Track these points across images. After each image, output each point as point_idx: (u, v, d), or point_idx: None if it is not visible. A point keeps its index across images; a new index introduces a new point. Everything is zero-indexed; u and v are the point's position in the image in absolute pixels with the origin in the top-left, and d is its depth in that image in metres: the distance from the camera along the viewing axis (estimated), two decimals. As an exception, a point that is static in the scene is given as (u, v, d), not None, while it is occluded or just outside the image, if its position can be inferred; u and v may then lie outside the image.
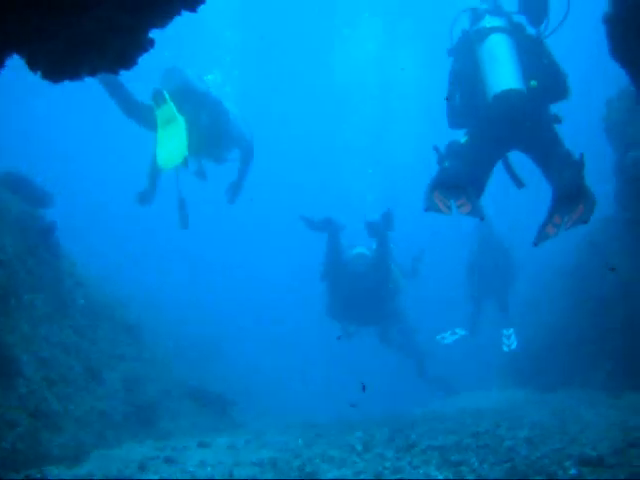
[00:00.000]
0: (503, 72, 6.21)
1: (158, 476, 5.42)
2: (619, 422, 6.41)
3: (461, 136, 6.76)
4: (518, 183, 6.84)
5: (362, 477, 5.36)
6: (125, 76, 4.13)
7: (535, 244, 6.35)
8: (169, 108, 8.02)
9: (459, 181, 6.33)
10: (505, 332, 13.20)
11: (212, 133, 9.24)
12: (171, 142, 7.83)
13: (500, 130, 6.48)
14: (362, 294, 10.90)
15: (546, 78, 6.40)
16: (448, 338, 13.56)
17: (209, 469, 5.78)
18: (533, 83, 6.28)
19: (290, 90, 33.04)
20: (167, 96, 8.08)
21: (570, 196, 6.12)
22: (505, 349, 12.83)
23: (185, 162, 7.85)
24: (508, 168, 6.81)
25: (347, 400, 17.24)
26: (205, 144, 9.24)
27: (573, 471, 4.94)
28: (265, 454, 6.47)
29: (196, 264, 28.73)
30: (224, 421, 10.08)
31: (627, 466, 4.93)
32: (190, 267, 27.99)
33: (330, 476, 5.39)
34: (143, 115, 8.66)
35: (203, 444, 7.09)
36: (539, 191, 6.88)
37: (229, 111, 9.71)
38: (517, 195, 8.48)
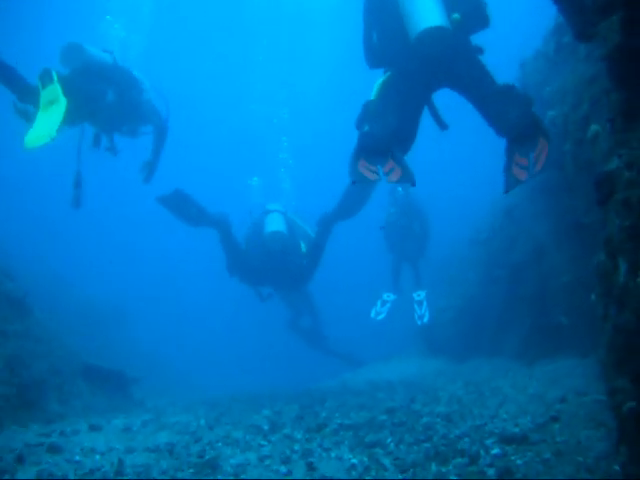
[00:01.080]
0: (424, 7, 5.66)
1: (37, 469, 4.77)
2: (538, 394, 6.13)
3: (380, 76, 6.15)
4: (442, 125, 6.21)
5: (268, 462, 4.87)
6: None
7: (506, 191, 5.87)
8: (54, 89, 7.34)
9: (383, 144, 5.79)
10: (416, 296, 12.92)
11: (121, 109, 8.57)
12: (45, 123, 7.15)
13: (425, 71, 5.91)
14: (276, 268, 10.37)
15: (467, 8, 5.86)
16: (382, 310, 13.27)
17: (97, 457, 5.15)
18: (455, 16, 5.71)
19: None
20: (55, 76, 7.39)
21: (527, 133, 5.66)
22: (418, 322, 12.55)
23: (53, 137, 7.11)
24: (432, 108, 6.23)
25: (257, 373, 16.91)
26: (115, 120, 8.60)
27: (496, 450, 4.57)
28: (162, 438, 5.89)
29: (101, 235, 27.62)
30: (122, 400, 9.42)
31: (551, 443, 4.60)
32: (95, 237, 26.89)
33: (233, 462, 4.87)
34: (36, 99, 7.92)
35: (95, 427, 6.43)
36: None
37: (140, 83, 9.01)
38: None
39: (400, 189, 13.33)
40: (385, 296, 13.16)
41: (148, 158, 9.43)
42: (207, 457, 4.94)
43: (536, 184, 10.14)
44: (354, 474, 4.41)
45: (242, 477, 4.50)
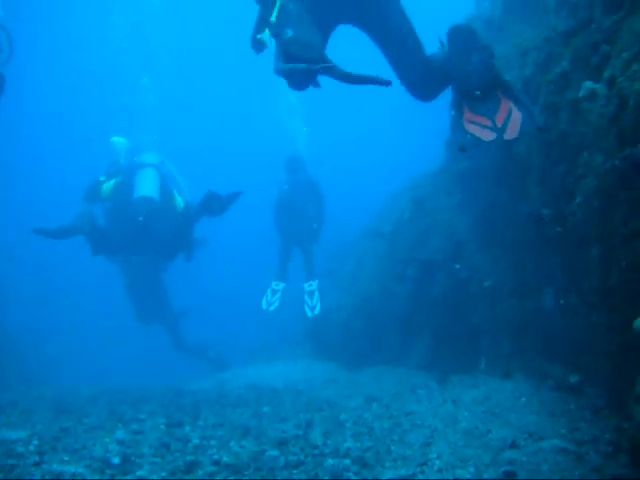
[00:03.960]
0: None
1: None
2: (474, 431, 4.79)
3: None
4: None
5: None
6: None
7: (462, 149, 4.64)
8: None
9: (316, 53, 4.33)
10: (307, 286, 11.58)
11: None
12: None
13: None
14: (145, 233, 8.90)
15: None
16: (273, 300, 11.88)
17: None
18: None
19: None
20: None
21: (484, 87, 4.43)
22: (308, 313, 11.19)
23: None
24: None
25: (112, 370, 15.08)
26: None
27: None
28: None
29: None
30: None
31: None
32: None
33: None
34: None
35: None
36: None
37: None
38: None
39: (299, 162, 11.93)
40: (274, 284, 11.71)
41: None
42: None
43: (453, 173, 8.98)
44: None
45: None
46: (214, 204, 8.94)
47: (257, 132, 27.82)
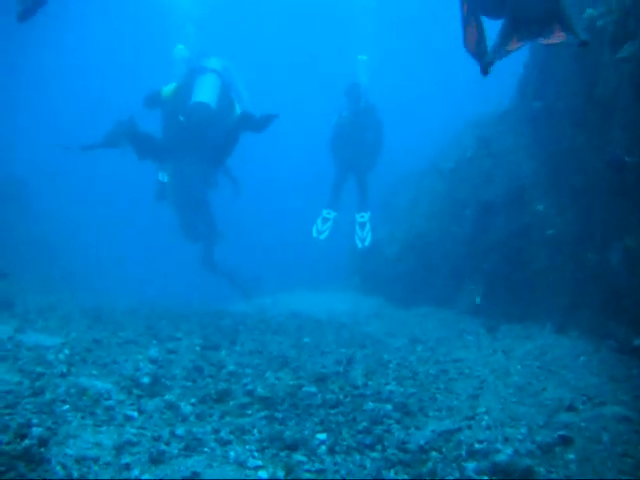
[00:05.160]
0: None
1: None
2: (528, 388, 4.45)
3: None
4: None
5: (125, 460, 3.11)
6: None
7: (488, 65, 4.15)
8: None
9: None
10: (359, 217, 11.20)
11: None
12: None
13: None
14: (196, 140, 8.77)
15: None
16: (323, 229, 11.58)
17: None
18: None
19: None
20: None
21: (541, 17, 3.94)
22: (358, 245, 10.86)
23: None
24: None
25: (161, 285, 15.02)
26: None
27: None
28: None
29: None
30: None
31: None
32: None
33: (69, 452, 3.09)
34: None
35: None
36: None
37: None
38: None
39: (360, 89, 11.42)
40: (325, 213, 11.38)
41: None
42: (34, 435, 3.11)
43: (523, 114, 8.46)
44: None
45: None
46: (251, 123, 8.69)
47: (318, 61, 27.19)
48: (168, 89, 9.10)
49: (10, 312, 7.34)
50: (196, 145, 8.90)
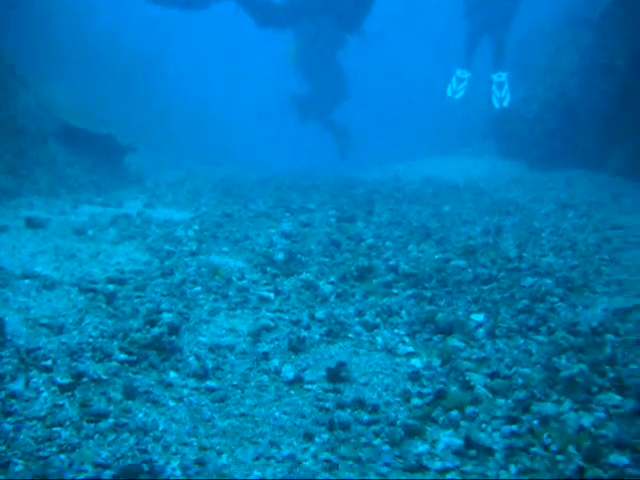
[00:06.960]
0: None
1: None
2: None
3: None
4: None
5: (259, 350, 2.86)
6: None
7: None
8: None
9: None
10: (496, 77, 10.42)
11: None
12: None
13: None
14: None
15: None
16: (458, 88, 10.95)
17: None
18: None
19: None
20: None
21: None
22: (496, 105, 10.12)
23: None
24: None
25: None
26: None
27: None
28: (121, 257, 3.83)
29: None
30: (109, 174, 7.28)
31: None
32: None
33: (202, 339, 2.85)
34: None
35: (34, 222, 4.40)
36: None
37: None
38: None
39: None
40: (459, 72, 10.66)
41: None
42: (164, 321, 2.86)
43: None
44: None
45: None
46: None
47: None
48: None
49: (141, 187, 7.27)
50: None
